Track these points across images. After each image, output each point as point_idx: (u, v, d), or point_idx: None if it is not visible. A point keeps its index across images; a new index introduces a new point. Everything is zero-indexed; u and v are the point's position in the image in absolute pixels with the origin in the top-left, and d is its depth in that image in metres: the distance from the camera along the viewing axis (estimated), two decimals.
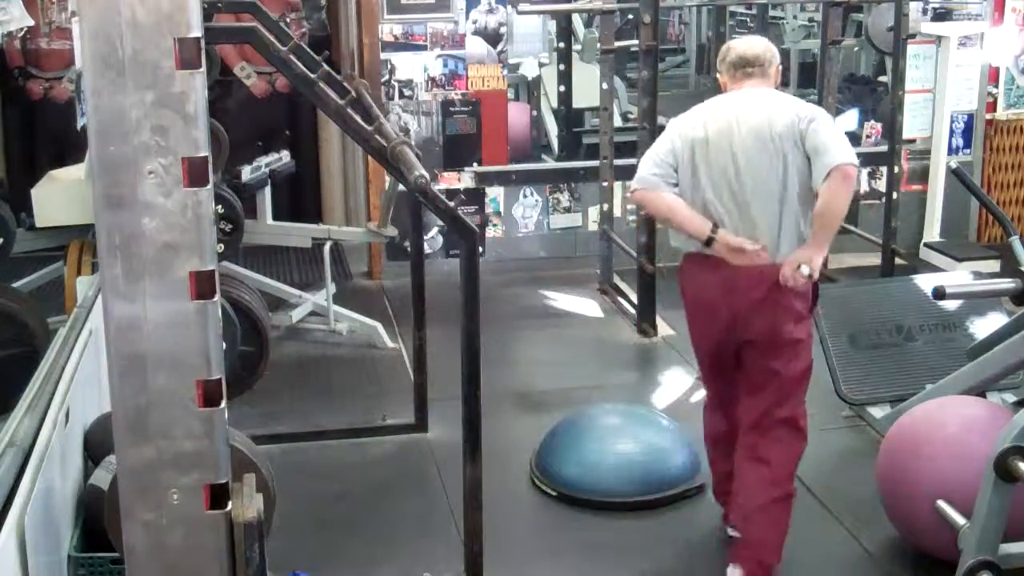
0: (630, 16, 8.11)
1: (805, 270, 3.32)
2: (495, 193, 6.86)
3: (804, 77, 9.02)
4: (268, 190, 5.81)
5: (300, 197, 7.34)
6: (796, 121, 3.37)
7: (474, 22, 6.62)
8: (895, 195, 6.42)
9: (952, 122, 7.07)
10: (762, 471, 3.49)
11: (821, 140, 3.32)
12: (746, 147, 3.40)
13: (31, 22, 5.06)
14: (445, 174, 6.70)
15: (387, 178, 5.73)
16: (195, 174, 1.75)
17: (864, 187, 7.22)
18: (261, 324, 4.99)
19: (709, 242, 3.41)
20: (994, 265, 6.47)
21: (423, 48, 6.58)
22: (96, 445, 3.25)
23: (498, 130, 6.74)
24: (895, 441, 3.69)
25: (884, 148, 6.67)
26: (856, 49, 8.91)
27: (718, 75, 3.71)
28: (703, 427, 3.88)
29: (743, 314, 3.42)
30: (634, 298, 5.98)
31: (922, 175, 7.11)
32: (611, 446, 4.20)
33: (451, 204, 3.13)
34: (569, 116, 8.03)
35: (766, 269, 3.38)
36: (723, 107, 3.54)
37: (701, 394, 4.18)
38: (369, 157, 5.78)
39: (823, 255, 3.38)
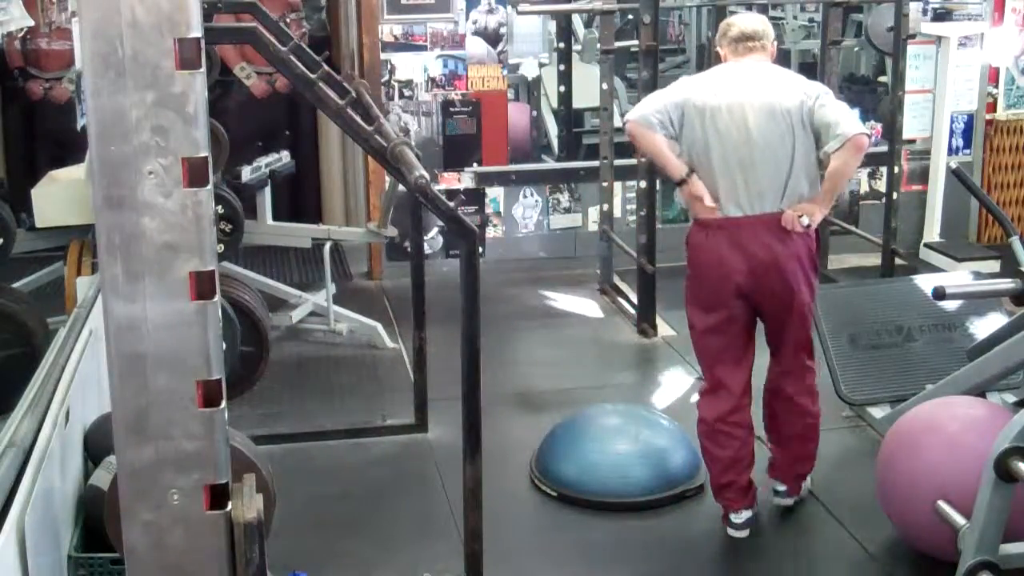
0: (630, 16, 8.11)
1: (805, 220, 3.63)
2: (495, 193, 6.86)
3: (804, 77, 9.01)
4: (268, 190, 5.81)
5: (300, 197, 7.34)
6: (804, 99, 3.65)
7: (474, 22, 6.62)
8: (895, 195, 6.41)
9: (952, 122, 7.08)
10: (804, 399, 3.87)
11: (832, 114, 3.62)
12: (759, 121, 3.63)
13: (31, 22, 5.06)
14: (445, 174, 6.70)
15: (387, 178, 5.73)
16: (195, 174, 1.75)
17: (864, 187, 7.23)
18: (261, 324, 4.99)
19: (681, 183, 3.71)
20: (994, 265, 6.47)
21: (423, 48, 6.58)
22: (96, 445, 3.25)
23: (498, 130, 6.74)
24: (895, 441, 3.69)
25: (884, 148, 6.66)
26: (856, 49, 8.90)
27: (719, 49, 3.90)
28: (698, 419, 3.89)
29: (760, 263, 3.65)
30: (634, 298, 5.98)
31: (922, 175, 7.11)
32: (611, 446, 4.20)
33: (451, 204, 3.13)
34: (569, 116, 8.03)
35: (770, 219, 3.64)
36: (734, 79, 3.74)
37: None
38: (369, 157, 5.78)
39: (825, 212, 3.75)
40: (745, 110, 3.63)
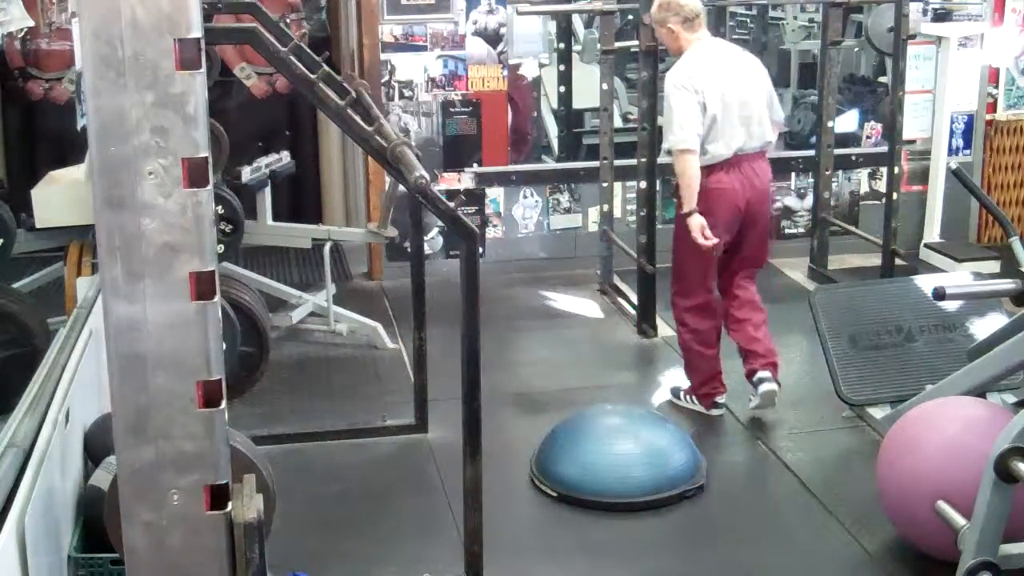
0: (630, 17, 8.10)
1: None
2: (495, 194, 6.86)
3: (804, 77, 9.00)
4: (268, 191, 5.80)
5: (300, 197, 7.33)
6: (766, 78, 4.80)
7: (474, 23, 6.62)
8: (895, 196, 6.41)
9: (952, 123, 7.07)
10: (756, 302, 4.78)
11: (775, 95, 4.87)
12: (751, 90, 4.64)
13: (31, 23, 5.07)
14: (445, 175, 6.70)
15: (387, 179, 5.72)
16: (195, 175, 1.75)
17: (864, 187, 7.24)
18: (261, 325, 4.98)
19: (690, 214, 4.51)
20: (994, 266, 6.47)
21: (423, 49, 6.58)
22: (96, 445, 3.26)
23: (498, 130, 6.74)
24: (895, 442, 3.69)
25: (884, 149, 6.66)
26: (856, 49, 8.89)
27: (671, 27, 4.61)
28: (691, 330, 4.73)
29: (756, 189, 4.62)
30: (634, 298, 5.98)
31: (922, 176, 7.11)
32: (611, 447, 4.20)
33: (451, 205, 3.13)
34: (569, 117, 8.02)
35: (757, 155, 4.65)
36: (723, 65, 4.62)
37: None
38: (369, 157, 5.78)
39: None
40: (744, 87, 4.61)
